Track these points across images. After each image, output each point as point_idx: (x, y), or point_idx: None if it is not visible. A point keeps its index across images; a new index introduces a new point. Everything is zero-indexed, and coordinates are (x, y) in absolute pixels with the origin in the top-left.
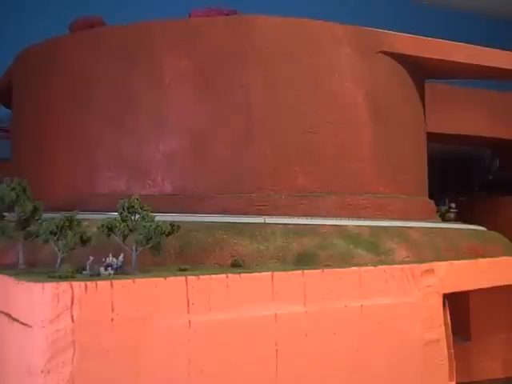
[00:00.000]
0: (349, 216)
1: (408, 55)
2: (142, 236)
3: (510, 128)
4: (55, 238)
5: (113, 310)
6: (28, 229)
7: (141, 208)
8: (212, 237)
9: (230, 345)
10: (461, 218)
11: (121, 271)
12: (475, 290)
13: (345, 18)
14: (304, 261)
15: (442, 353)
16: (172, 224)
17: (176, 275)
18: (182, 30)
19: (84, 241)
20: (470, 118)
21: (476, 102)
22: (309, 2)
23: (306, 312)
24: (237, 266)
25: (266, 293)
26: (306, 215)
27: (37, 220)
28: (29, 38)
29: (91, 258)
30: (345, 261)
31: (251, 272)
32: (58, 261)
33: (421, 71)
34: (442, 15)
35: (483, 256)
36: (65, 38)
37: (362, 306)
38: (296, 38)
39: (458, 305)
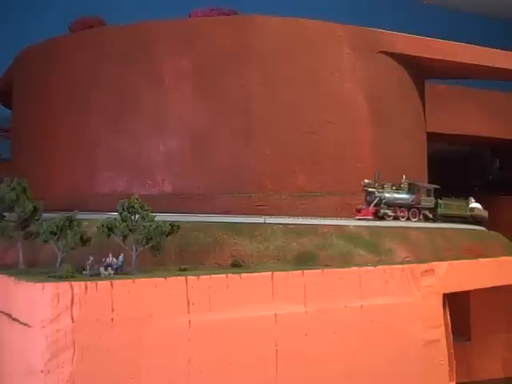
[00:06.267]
0: (349, 216)
1: (408, 55)
2: (141, 236)
3: (510, 128)
4: (55, 238)
5: (113, 310)
6: (28, 229)
7: (141, 208)
8: (212, 237)
9: (229, 345)
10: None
11: (121, 271)
12: (475, 290)
13: (345, 17)
14: (304, 261)
15: (442, 353)
16: (172, 224)
17: (176, 275)
18: (182, 29)
19: (84, 241)
20: (470, 117)
21: (476, 101)
22: (309, 2)
23: (306, 312)
24: (237, 265)
25: (266, 293)
26: (305, 215)
27: (37, 220)
28: (29, 38)
29: (91, 258)
30: (345, 261)
31: (251, 272)
32: (58, 261)
33: (421, 71)
34: (441, 15)
35: (483, 256)
36: (65, 38)
37: (361, 306)
38: (296, 38)
39: (458, 305)
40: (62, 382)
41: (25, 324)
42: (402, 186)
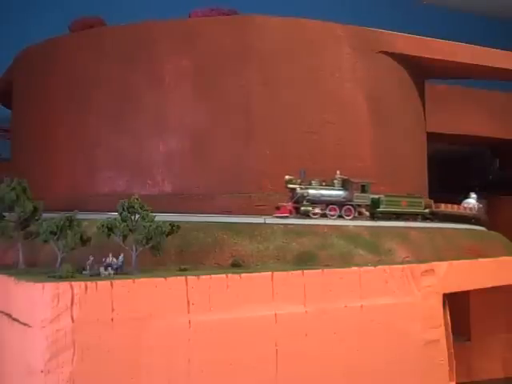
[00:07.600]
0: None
1: (408, 55)
2: (141, 236)
3: (510, 128)
4: (55, 238)
5: (113, 310)
6: (28, 229)
7: (141, 208)
8: (212, 237)
9: (229, 345)
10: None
11: (121, 271)
12: (475, 290)
13: (345, 17)
14: (304, 261)
15: (442, 353)
16: (172, 224)
17: (176, 275)
18: (182, 29)
19: (84, 241)
20: (470, 117)
21: (476, 101)
22: (309, 2)
23: (306, 312)
24: (237, 265)
25: (266, 293)
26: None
27: (37, 220)
28: (29, 38)
29: (91, 258)
30: (345, 261)
31: (251, 272)
32: (58, 261)
33: (421, 71)
34: (441, 15)
35: (483, 256)
36: (65, 38)
37: (361, 306)
38: (296, 38)
39: (458, 305)
40: (61, 382)
41: (25, 324)
42: (335, 182)
